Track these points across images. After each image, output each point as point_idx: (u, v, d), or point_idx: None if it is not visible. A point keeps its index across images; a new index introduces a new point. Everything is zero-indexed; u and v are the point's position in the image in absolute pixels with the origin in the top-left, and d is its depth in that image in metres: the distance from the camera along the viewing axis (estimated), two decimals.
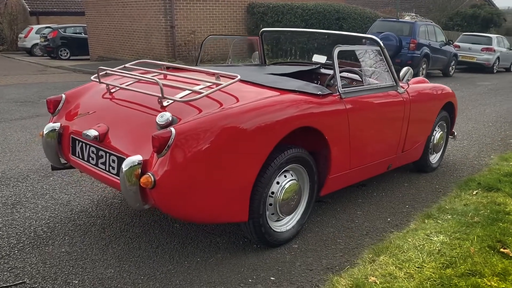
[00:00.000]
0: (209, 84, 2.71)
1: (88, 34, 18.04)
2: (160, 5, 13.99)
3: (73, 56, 19.22)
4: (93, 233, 2.95)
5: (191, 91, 2.61)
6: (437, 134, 4.44)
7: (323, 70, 4.20)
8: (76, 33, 19.86)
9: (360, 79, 3.69)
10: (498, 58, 17.69)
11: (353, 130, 3.12)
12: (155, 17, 14.30)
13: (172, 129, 2.27)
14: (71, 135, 2.82)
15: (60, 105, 3.02)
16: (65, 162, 2.99)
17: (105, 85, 3.00)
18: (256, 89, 2.86)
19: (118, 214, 3.24)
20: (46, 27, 20.39)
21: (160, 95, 2.51)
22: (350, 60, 4.02)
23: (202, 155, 2.31)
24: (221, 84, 2.60)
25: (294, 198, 2.84)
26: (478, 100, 9.64)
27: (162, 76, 3.06)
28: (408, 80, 3.80)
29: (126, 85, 2.91)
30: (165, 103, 2.54)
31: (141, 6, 14.78)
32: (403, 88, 3.75)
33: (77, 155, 2.80)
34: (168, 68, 3.28)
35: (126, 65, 3.25)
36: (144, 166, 2.31)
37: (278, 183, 2.74)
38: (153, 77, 2.70)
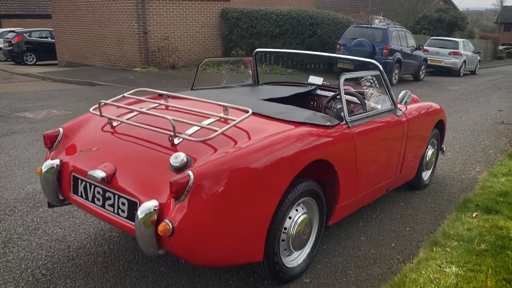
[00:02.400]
0: (217, 118, 2.62)
1: (55, 39, 17.44)
2: (132, 10, 13.68)
3: (40, 61, 18.60)
4: (96, 274, 2.80)
5: (200, 127, 2.51)
6: (429, 152, 4.49)
7: (319, 92, 4.17)
8: (42, 38, 19.20)
9: (359, 102, 3.68)
10: (464, 61, 18.33)
11: (359, 158, 3.11)
12: (127, 23, 13.97)
13: (190, 172, 2.17)
14: (73, 173, 2.67)
15: (58, 139, 2.85)
16: (63, 199, 2.83)
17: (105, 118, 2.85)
18: (265, 121, 2.79)
19: (118, 250, 3.10)
20: (10, 31, 19.66)
21: (172, 132, 2.40)
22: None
23: (223, 198, 2.22)
24: (234, 120, 2.51)
25: (305, 231, 2.78)
26: (453, 107, 9.89)
27: (163, 107, 2.95)
28: (407, 103, 3.82)
29: (128, 119, 2.77)
30: (176, 141, 2.44)
31: (112, 11, 14.40)
32: (401, 110, 3.77)
33: (79, 194, 2.65)
34: (168, 96, 3.15)
35: (125, 94, 3.12)
36: (160, 212, 2.20)
37: (290, 218, 2.69)
38: (162, 114, 2.55)
